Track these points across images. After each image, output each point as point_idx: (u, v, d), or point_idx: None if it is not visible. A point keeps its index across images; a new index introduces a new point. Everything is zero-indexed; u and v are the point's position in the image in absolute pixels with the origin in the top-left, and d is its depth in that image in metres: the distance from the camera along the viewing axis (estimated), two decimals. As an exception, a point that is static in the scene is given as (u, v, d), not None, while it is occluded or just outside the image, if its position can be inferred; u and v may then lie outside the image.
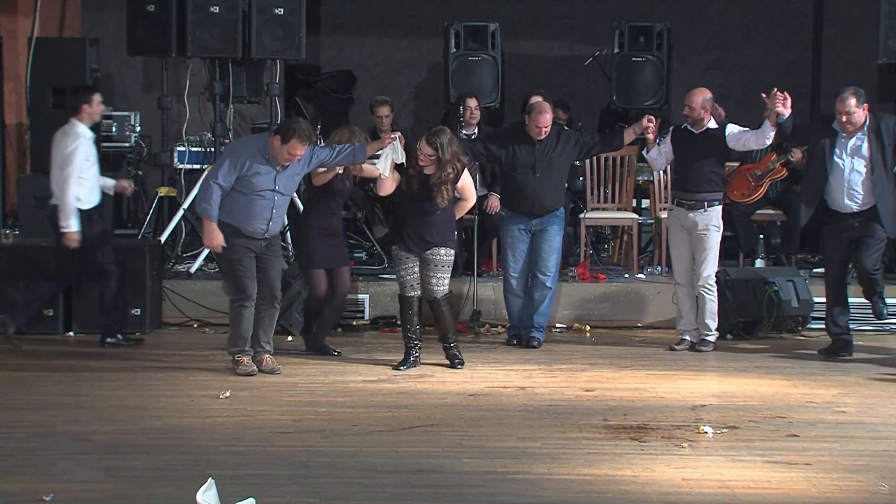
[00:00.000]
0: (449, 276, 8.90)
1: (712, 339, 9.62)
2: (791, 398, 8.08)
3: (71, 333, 10.06)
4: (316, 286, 9.25)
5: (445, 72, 12.34)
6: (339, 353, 9.34)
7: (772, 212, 11.39)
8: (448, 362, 8.96)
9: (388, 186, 8.88)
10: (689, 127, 9.63)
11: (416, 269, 8.82)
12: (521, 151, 9.59)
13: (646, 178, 11.74)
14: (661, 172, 11.03)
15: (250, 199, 8.48)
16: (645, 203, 12.10)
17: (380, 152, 8.94)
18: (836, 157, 9.20)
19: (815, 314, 10.32)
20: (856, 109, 9.11)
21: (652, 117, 9.53)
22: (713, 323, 9.60)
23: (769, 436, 7.10)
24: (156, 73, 12.06)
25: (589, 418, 7.46)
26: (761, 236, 11.27)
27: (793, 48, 14.47)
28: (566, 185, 10.96)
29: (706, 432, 7.12)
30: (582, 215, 11.25)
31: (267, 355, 8.72)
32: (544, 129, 9.52)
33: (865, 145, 9.16)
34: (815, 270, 11.29)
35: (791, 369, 9.00)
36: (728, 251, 11.62)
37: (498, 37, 12.28)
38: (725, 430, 7.18)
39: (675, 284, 9.75)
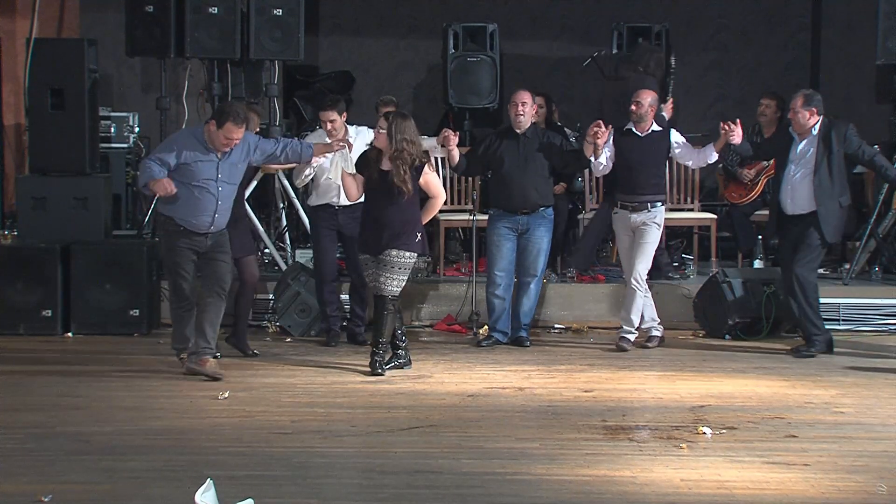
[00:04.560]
0: (402, 279, 8.66)
1: (632, 337, 9.64)
2: (789, 399, 8.08)
3: (69, 334, 10.06)
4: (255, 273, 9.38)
5: (444, 73, 12.34)
6: (257, 353, 9.27)
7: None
8: (369, 368, 8.68)
9: (353, 192, 8.77)
10: (632, 129, 9.72)
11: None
12: (505, 147, 9.65)
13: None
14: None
15: (194, 191, 8.28)
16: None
17: (329, 157, 8.95)
18: (788, 161, 9.39)
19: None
20: (800, 110, 9.30)
21: (601, 122, 9.51)
22: (636, 319, 9.64)
23: (768, 436, 7.10)
24: (154, 73, 12.06)
25: (587, 419, 7.46)
26: (760, 237, 11.27)
27: (791, 49, 14.46)
28: (565, 186, 10.98)
29: (705, 433, 7.12)
30: (581, 216, 11.25)
31: (210, 358, 8.43)
32: (519, 104, 9.57)
33: (812, 150, 9.33)
34: (813, 271, 11.31)
35: (789, 370, 9.00)
36: (727, 251, 11.66)
37: (496, 38, 12.27)
38: (724, 431, 7.18)
39: (627, 288, 9.82)
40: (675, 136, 9.78)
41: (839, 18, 14.17)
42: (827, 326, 9.92)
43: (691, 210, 11.41)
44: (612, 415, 7.58)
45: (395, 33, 14.47)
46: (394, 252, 8.58)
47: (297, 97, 13.43)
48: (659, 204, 9.68)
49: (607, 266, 11.57)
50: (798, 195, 9.37)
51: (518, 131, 9.66)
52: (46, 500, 5.81)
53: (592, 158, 9.63)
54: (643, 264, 9.60)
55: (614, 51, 12.47)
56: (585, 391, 8.25)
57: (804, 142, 9.37)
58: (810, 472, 6.38)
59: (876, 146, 12.01)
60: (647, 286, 9.70)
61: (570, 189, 11.25)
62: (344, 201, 9.37)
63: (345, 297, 9.96)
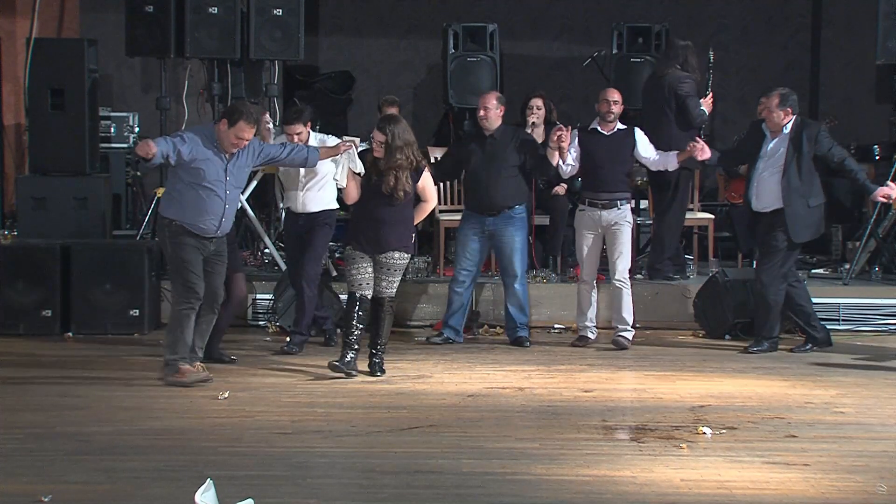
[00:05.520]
0: (399, 279, 8.69)
1: (630, 335, 9.73)
2: (789, 399, 8.08)
3: (69, 334, 10.06)
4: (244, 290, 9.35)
5: (444, 73, 12.35)
6: (234, 359, 9.13)
7: (770, 212, 11.39)
8: (368, 369, 8.63)
9: (352, 195, 8.70)
10: (598, 128, 9.83)
11: (370, 269, 8.56)
12: (473, 148, 9.72)
13: (643, 179, 11.74)
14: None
15: (202, 193, 8.15)
16: (643, 204, 12.10)
17: (336, 159, 8.89)
18: (758, 158, 9.48)
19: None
20: (776, 109, 9.35)
21: (562, 127, 9.60)
22: (630, 317, 9.74)
23: (768, 436, 7.10)
24: (154, 73, 12.07)
25: (587, 419, 7.46)
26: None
27: (791, 49, 14.47)
28: (566, 186, 10.97)
29: (705, 433, 7.12)
30: (580, 216, 11.24)
31: (198, 363, 8.38)
32: (482, 109, 9.65)
33: (782, 150, 9.38)
34: (813, 271, 11.32)
35: (789, 370, 9.00)
36: (727, 251, 11.66)
37: (496, 38, 12.28)
38: (724, 431, 7.18)
39: (580, 283, 9.89)
40: (639, 135, 9.89)
41: (839, 18, 14.18)
42: (827, 326, 9.92)
43: (691, 210, 11.40)
44: (612, 415, 7.58)
45: (395, 33, 14.47)
46: (396, 254, 8.57)
47: (297, 97, 13.43)
48: (626, 201, 9.79)
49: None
50: (763, 192, 9.44)
51: (486, 133, 9.70)
52: (46, 500, 5.81)
53: (561, 163, 9.70)
54: (624, 263, 9.72)
55: (614, 51, 12.49)
56: (585, 391, 8.25)
57: (775, 140, 9.43)
58: (810, 472, 6.38)
59: (876, 146, 12.06)
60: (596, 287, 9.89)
61: (570, 189, 11.25)
62: (302, 208, 9.36)
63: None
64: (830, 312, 10.37)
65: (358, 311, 8.54)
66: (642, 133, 9.93)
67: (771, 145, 9.43)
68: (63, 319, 10.08)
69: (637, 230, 11.40)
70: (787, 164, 9.31)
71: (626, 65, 12.38)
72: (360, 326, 8.54)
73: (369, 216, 8.58)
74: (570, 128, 9.69)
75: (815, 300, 10.25)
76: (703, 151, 9.57)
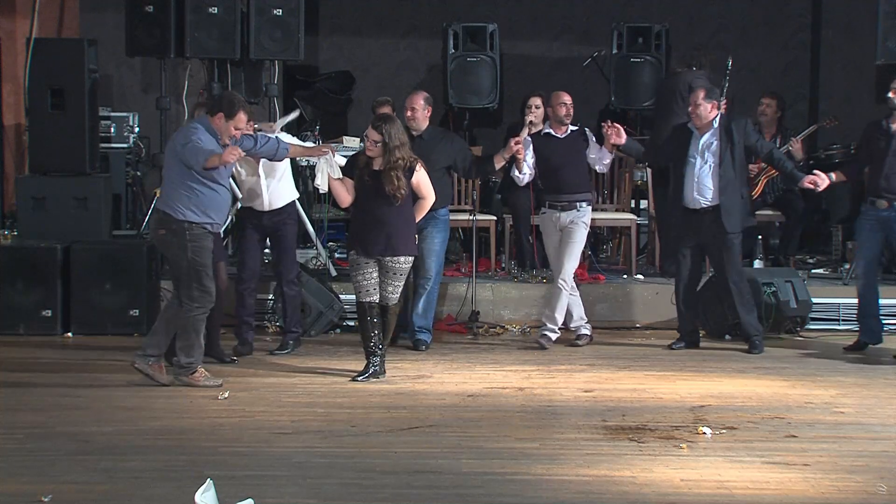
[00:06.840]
0: (402, 283, 8.61)
1: (554, 336, 9.68)
2: (789, 399, 8.08)
3: (69, 334, 10.06)
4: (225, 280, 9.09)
5: (444, 73, 12.34)
6: (235, 360, 9.06)
7: (770, 213, 11.41)
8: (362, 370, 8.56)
9: (345, 198, 8.61)
10: (551, 132, 9.88)
11: (375, 274, 8.48)
12: None
13: (643, 179, 11.76)
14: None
15: (217, 189, 8.15)
16: (643, 203, 12.11)
17: (313, 161, 8.80)
18: (689, 156, 9.51)
19: (813, 315, 10.33)
20: (702, 102, 9.43)
21: (519, 140, 9.55)
22: (560, 318, 9.68)
23: (768, 436, 7.11)
24: (154, 73, 12.06)
25: (587, 419, 7.46)
26: (759, 237, 11.26)
27: (791, 49, 14.47)
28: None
29: (704, 433, 7.12)
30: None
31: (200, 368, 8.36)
32: (409, 109, 9.55)
33: (716, 143, 9.46)
34: (813, 271, 11.32)
35: (789, 370, 9.01)
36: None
37: (496, 38, 12.28)
38: (724, 431, 7.19)
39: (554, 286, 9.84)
40: (590, 135, 9.95)
41: (839, 18, 14.17)
42: (827, 326, 9.92)
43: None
44: (612, 415, 7.58)
45: (395, 33, 14.47)
46: (402, 259, 8.50)
47: (297, 97, 13.42)
48: (587, 203, 9.80)
49: (607, 266, 11.58)
50: (705, 188, 9.47)
51: (414, 134, 9.59)
52: (46, 500, 5.81)
53: (517, 172, 9.72)
54: (571, 264, 9.68)
55: (614, 51, 12.49)
56: (585, 391, 8.25)
57: (706, 134, 9.50)
58: (810, 472, 6.39)
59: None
60: (573, 284, 9.80)
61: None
62: (268, 206, 9.23)
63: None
64: (830, 312, 10.37)
65: (370, 318, 8.48)
66: (592, 135, 9.97)
67: (703, 140, 9.50)
68: (63, 319, 10.07)
69: (637, 230, 11.42)
70: (722, 155, 9.42)
71: (626, 65, 12.39)
72: (377, 332, 8.50)
73: (371, 218, 8.49)
74: (520, 136, 9.69)
75: (815, 300, 10.28)
76: (618, 136, 9.55)
